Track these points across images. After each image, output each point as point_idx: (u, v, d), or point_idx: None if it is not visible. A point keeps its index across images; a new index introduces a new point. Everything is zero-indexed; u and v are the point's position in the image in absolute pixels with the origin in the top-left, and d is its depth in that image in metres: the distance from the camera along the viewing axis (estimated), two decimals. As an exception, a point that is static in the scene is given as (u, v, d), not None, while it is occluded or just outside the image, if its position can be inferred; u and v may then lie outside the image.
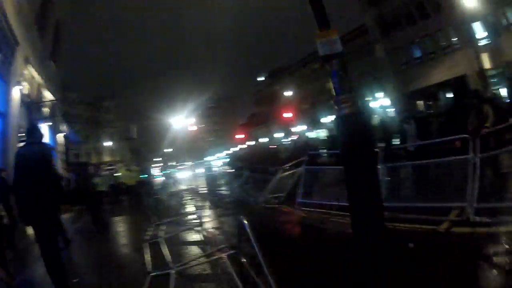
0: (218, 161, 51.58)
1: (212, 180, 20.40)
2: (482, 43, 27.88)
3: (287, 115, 43.77)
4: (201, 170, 35.50)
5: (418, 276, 4.25)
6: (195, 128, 61.27)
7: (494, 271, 4.11)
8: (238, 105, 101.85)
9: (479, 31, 28.04)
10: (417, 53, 32.27)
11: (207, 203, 14.62)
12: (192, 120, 51.45)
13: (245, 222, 4.58)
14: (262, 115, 71.61)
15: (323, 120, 49.11)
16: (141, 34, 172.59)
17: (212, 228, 9.26)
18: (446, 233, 5.77)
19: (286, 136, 54.51)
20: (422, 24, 30.68)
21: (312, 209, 8.94)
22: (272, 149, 28.80)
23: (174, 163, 76.28)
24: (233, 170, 21.15)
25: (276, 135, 59.66)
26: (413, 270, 4.45)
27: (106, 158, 62.13)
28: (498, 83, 26.85)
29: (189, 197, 18.40)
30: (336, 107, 5.63)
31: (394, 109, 22.17)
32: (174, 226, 10.21)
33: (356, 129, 5.47)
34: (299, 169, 10.70)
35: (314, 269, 5.06)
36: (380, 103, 39.31)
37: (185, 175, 48.66)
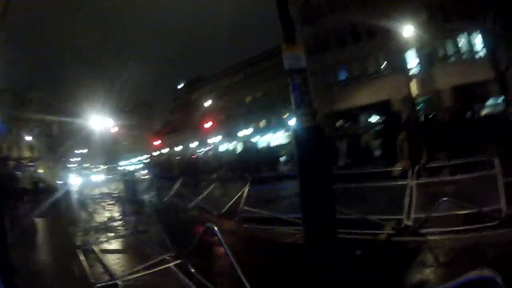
0: (133, 166, 50.05)
1: (131, 185, 19.54)
2: (413, 71, 30.20)
3: (207, 125, 43.74)
4: (116, 174, 34.08)
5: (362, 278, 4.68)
6: (116, 129, 58.44)
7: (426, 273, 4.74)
8: (156, 111, 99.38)
9: (411, 59, 30.42)
10: (343, 75, 33.62)
11: (132, 209, 13.97)
12: (110, 121, 49.04)
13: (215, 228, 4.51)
14: (177, 123, 70.72)
15: (239, 133, 49.78)
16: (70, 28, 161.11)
17: (146, 235, 8.79)
18: (386, 242, 6.20)
19: (201, 146, 54.33)
20: (352, 48, 32.05)
21: (257, 224, 8.78)
22: (192, 159, 28.44)
23: (89, 165, 72.30)
24: (152, 176, 20.62)
25: (192, 144, 59.24)
26: (359, 274, 4.88)
27: (26, 154, 56.79)
28: (423, 109, 28.95)
29: (111, 202, 17.47)
30: (295, 120, 5.78)
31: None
32: (103, 232, 9.67)
33: (314, 142, 5.66)
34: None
35: (268, 276, 5.21)
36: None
37: (101, 178, 46.17)
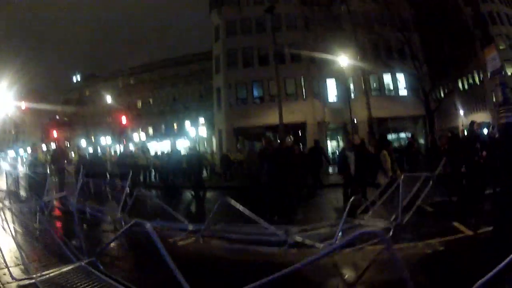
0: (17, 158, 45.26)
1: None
2: (331, 98, 31.66)
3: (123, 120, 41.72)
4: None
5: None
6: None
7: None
8: (44, 102, 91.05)
9: (331, 87, 31.78)
10: (257, 93, 33.02)
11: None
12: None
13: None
14: (70, 117, 66.21)
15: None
16: None
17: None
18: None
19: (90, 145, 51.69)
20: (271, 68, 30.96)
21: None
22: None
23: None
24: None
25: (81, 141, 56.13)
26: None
27: None
28: (334, 136, 31.00)
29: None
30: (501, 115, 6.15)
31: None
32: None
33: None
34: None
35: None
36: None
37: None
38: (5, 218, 7.77)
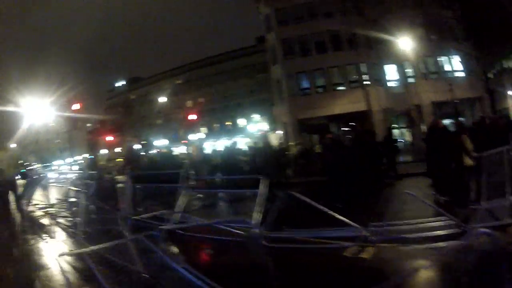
0: (67, 166, 45.36)
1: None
2: (391, 84, 30.17)
3: (192, 117, 40.82)
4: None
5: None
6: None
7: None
8: (87, 109, 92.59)
9: (391, 73, 30.32)
10: (320, 82, 31.52)
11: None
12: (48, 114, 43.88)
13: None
14: (117, 122, 66.34)
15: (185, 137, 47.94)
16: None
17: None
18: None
19: (146, 148, 51.21)
20: (333, 55, 30.65)
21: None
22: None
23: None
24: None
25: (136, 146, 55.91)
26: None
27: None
28: (396, 123, 29.45)
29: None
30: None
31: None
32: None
33: None
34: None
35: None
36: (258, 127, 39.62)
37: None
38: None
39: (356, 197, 9.68)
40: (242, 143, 34.37)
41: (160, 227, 6.38)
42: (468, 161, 9.38)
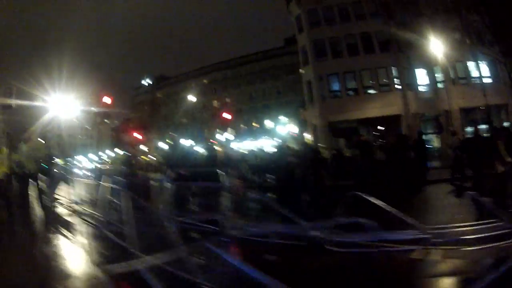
0: (89, 163, 45.41)
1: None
2: (421, 88, 29.74)
3: (226, 116, 40.64)
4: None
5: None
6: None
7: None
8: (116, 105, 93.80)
9: (421, 77, 29.89)
10: (351, 85, 31.21)
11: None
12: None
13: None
14: (144, 120, 66.83)
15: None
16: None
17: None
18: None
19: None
20: (365, 57, 30.31)
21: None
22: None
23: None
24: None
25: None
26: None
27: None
28: (426, 128, 28.72)
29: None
30: None
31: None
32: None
33: None
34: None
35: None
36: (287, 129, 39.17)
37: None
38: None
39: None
40: (269, 145, 34.07)
41: (227, 233, 5.91)
42: (500, 167, 9.66)
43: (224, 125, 43.13)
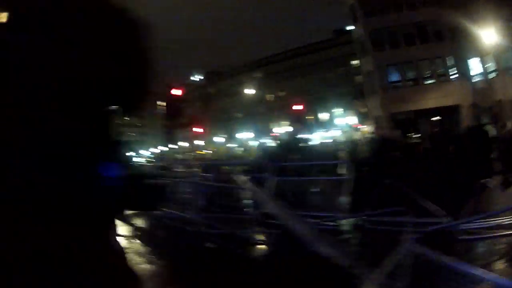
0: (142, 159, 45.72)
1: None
2: (476, 78, 29.25)
3: (298, 107, 41.31)
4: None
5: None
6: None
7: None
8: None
9: (475, 66, 29.39)
10: (410, 75, 31.46)
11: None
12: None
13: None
14: (198, 116, 68.37)
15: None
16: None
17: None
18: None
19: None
20: (421, 47, 30.36)
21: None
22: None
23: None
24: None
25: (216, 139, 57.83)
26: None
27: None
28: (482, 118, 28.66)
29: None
30: None
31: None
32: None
33: None
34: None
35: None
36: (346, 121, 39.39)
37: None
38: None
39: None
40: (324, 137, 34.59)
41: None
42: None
43: (296, 117, 42.56)
